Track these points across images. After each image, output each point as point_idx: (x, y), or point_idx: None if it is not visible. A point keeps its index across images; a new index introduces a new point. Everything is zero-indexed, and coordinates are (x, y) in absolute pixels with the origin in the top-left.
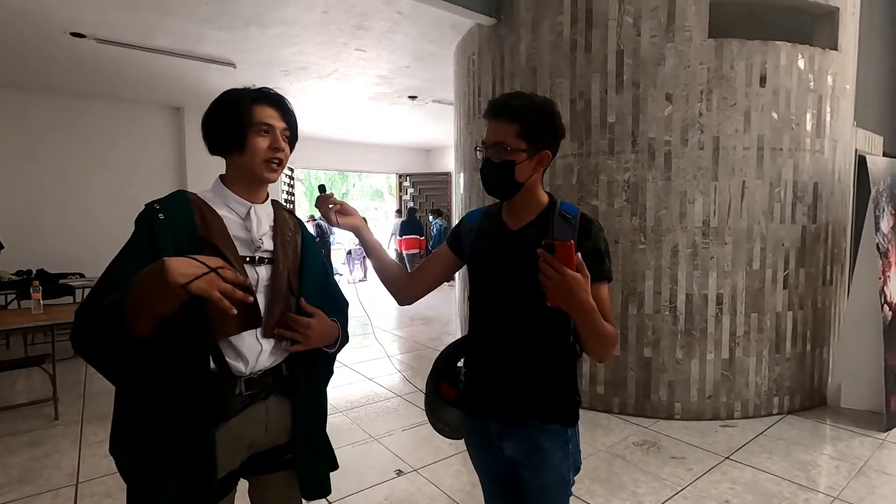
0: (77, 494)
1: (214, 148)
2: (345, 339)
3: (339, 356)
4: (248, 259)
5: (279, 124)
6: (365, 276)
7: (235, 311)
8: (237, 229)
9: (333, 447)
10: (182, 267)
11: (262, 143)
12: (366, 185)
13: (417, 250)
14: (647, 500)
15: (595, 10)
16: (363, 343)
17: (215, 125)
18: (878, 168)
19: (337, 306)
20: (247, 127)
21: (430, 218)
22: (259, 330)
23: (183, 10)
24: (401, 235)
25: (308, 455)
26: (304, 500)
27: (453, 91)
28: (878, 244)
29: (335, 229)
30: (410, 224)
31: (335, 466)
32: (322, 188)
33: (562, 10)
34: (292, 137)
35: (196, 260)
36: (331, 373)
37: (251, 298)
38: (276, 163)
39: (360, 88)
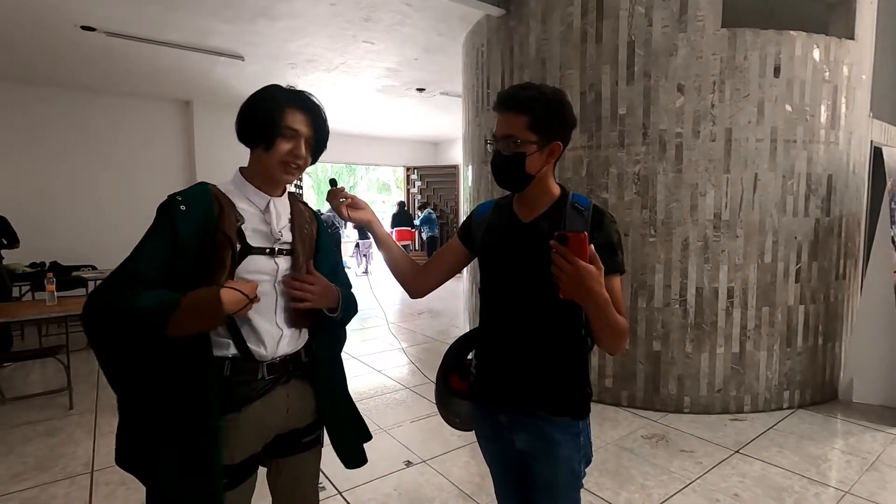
0: (92, 482)
1: (241, 137)
2: (351, 304)
3: (346, 347)
4: (268, 251)
5: (306, 131)
6: (367, 270)
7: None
8: (257, 222)
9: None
10: (232, 301)
11: (285, 146)
12: (373, 178)
13: (409, 242)
14: (655, 494)
15: (606, 1)
16: (372, 335)
17: (248, 119)
18: (894, 160)
19: (342, 283)
20: (276, 128)
21: (419, 212)
22: (281, 316)
23: (191, 3)
24: (392, 227)
25: (338, 428)
26: (320, 481)
27: (462, 83)
28: (892, 238)
29: (343, 222)
30: (401, 217)
31: (368, 437)
32: (333, 182)
33: (572, 1)
34: (318, 147)
35: (237, 290)
36: (341, 353)
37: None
38: (293, 167)
39: (367, 81)
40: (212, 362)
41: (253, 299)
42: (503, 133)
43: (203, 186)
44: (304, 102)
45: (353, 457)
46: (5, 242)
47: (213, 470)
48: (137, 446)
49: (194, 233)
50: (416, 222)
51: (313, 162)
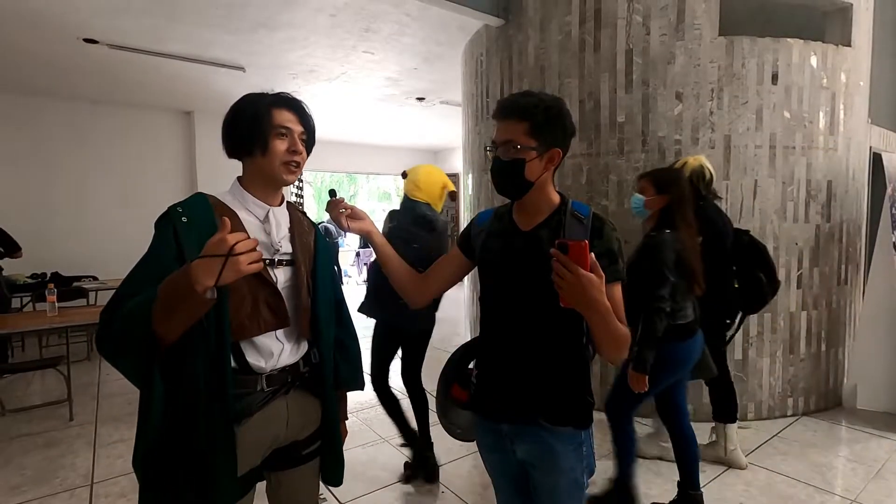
0: (92, 495)
1: (233, 151)
2: (359, 385)
3: None
4: (267, 262)
5: (297, 128)
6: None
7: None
8: (256, 232)
9: (344, 449)
10: (202, 272)
11: (281, 145)
12: (373, 187)
13: None
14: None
15: (604, 10)
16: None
17: (236, 129)
18: (893, 165)
19: (346, 348)
20: (267, 130)
21: None
22: (282, 330)
23: (193, 15)
24: None
25: (336, 443)
26: (322, 490)
27: (461, 92)
28: (893, 243)
29: (343, 232)
30: None
31: None
32: (333, 193)
33: (570, 10)
34: (309, 141)
35: (206, 257)
36: None
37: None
38: (294, 165)
39: (368, 90)
40: (229, 368)
41: (229, 254)
42: (503, 139)
43: (202, 197)
44: (286, 100)
45: (339, 473)
46: (2, 251)
47: (229, 478)
48: (156, 450)
49: (197, 246)
50: None
51: (307, 156)
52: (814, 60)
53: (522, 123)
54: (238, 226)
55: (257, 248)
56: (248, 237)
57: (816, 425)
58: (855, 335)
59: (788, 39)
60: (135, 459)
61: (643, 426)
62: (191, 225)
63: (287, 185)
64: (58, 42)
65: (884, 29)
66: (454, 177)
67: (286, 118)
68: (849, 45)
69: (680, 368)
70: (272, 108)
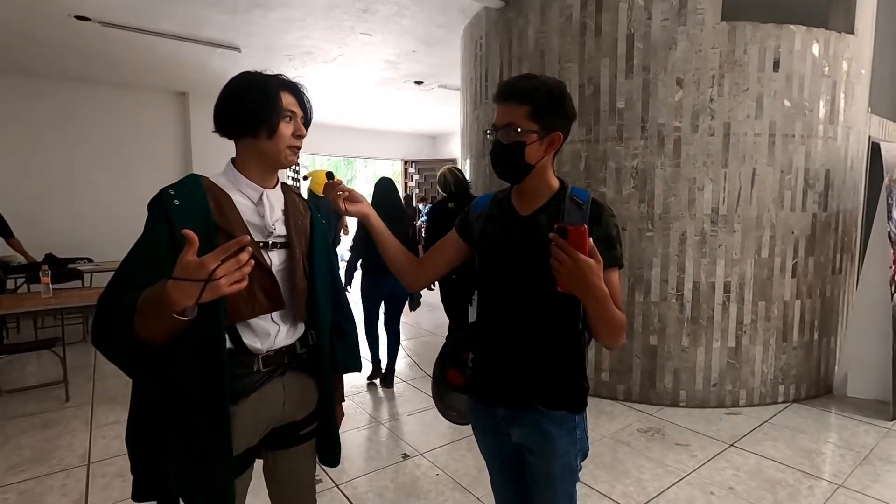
0: (89, 475)
1: (232, 131)
2: (356, 368)
3: None
4: (261, 244)
5: (298, 111)
6: None
7: (247, 283)
8: (250, 214)
9: (340, 431)
10: (180, 294)
11: (287, 129)
12: (370, 171)
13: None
14: (651, 487)
15: None
16: None
17: (242, 108)
18: (892, 155)
19: (343, 332)
20: (277, 113)
21: (420, 206)
22: (277, 312)
23: None
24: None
25: (333, 425)
26: (318, 471)
27: (460, 76)
28: (889, 233)
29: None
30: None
31: None
32: (330, 175)
33: None
34: (306, 125)
35: (183, 279)
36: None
37: (250, 260)
38: (297, 148)
39: (365, 73)
40: (224, 350)
41: (208, 280)
42: (503, 122)
43: (195, 179)
44: (289, 84)
45: (335, 455)
46: None
47: (224, 459)
48: (148, 437)
49: (191, 229)
50: (421, 221)
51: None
52: (816, 48)
53: (523, 107)
54: (231, 208)
55: (250, 233)
56: (233, 252)
57: (807, 412)
58: (847, 324)
59: (791, 26)
60: (128, 438)
61: None
62: (182, 208)
63: (287, 168)
64: (49, 19)
65: (886, 17)
66: (452, 161)
67: (290, 101)
68: (851, 33)
69: (376, 293)
70: (279, 91)
